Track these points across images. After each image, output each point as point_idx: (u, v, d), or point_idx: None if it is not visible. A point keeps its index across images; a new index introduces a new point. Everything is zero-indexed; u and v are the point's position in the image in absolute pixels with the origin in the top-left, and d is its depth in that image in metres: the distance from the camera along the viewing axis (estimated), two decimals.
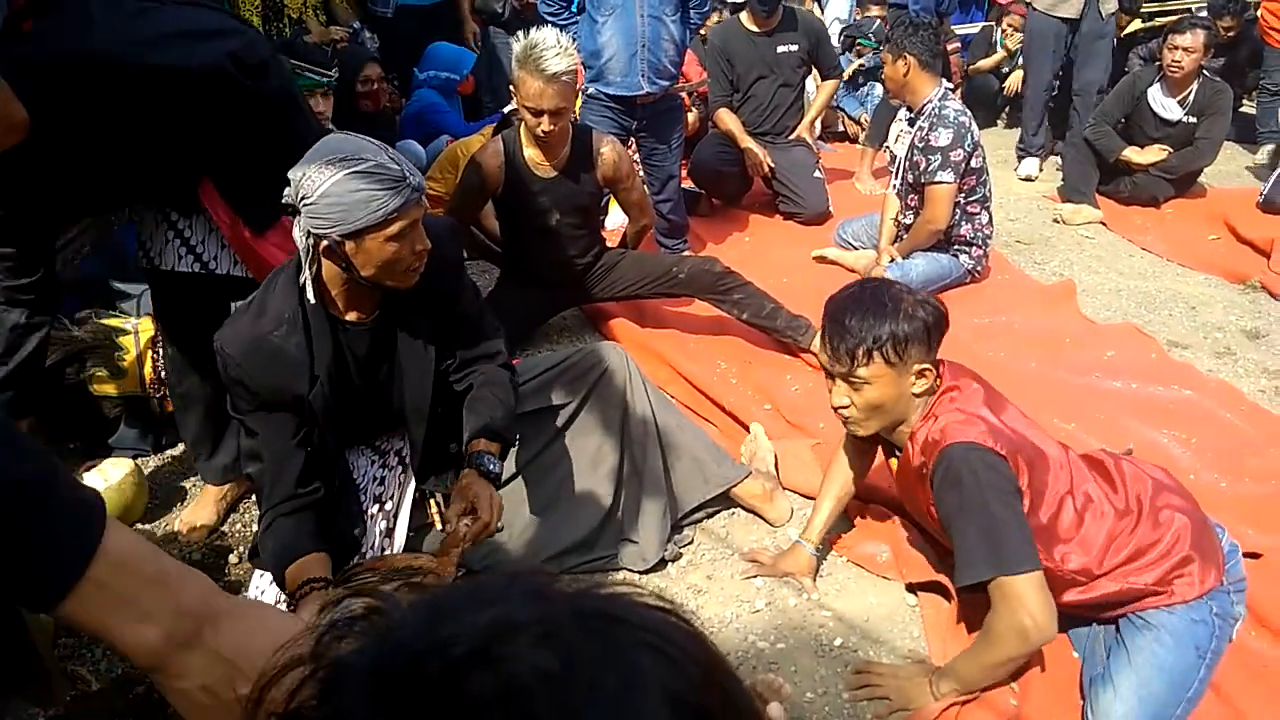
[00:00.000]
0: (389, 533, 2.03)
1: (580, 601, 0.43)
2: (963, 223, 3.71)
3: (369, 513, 2.01)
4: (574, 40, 3.07)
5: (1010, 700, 1.86)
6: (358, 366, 1.88)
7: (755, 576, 2.24)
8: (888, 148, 3.89)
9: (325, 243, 1.66)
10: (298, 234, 1.70)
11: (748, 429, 2.79)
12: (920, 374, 1.82)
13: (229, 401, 1.87)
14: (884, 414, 1.86)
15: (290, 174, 1.64)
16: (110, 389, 2.64)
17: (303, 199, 1.62)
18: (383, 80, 4.00)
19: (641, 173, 3.89)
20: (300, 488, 1.84)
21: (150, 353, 2.64)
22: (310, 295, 1.74)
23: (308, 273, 1.73)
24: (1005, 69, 6.35)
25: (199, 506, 2.47)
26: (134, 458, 2.61)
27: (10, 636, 1.81)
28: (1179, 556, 1.81)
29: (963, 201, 3.66)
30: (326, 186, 1.60)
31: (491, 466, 1.85)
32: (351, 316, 1.85)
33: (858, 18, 6.28)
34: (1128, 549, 1.81)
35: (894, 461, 2.02)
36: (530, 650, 0.38)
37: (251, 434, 1.85)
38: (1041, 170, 5.52)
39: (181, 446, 2.73)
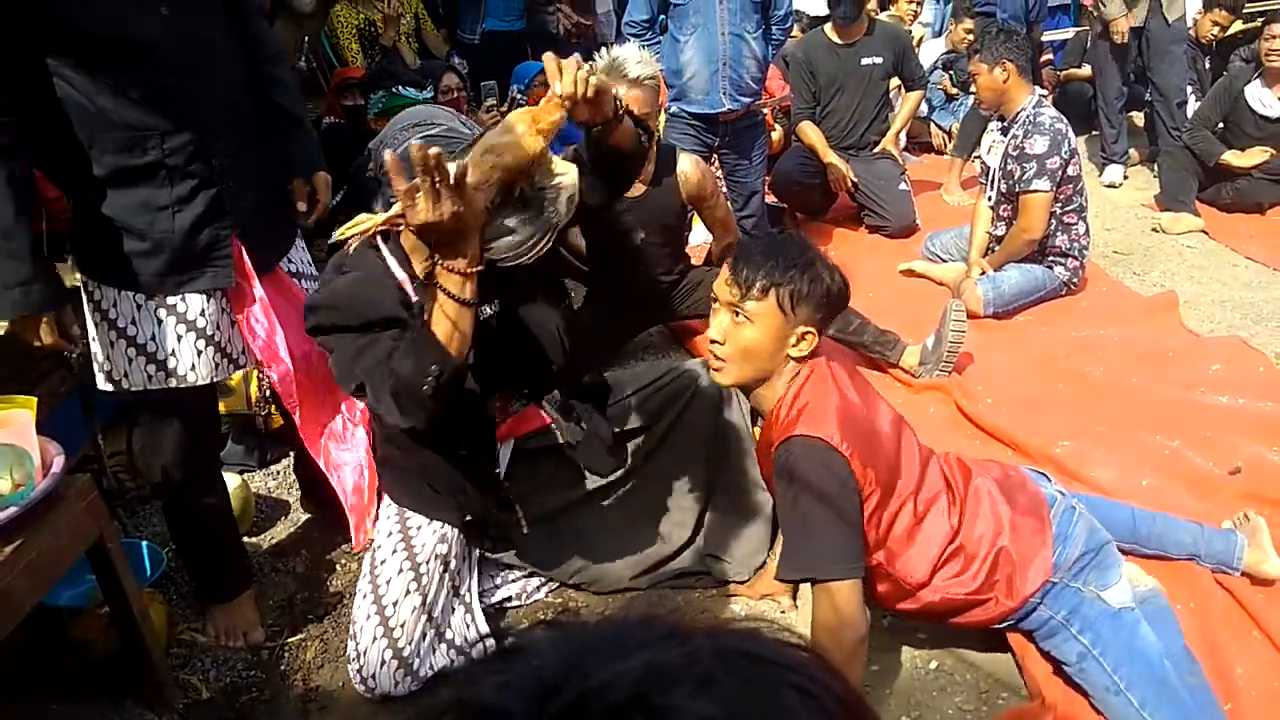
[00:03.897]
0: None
1: (720, 641, 0.43)
2: (1058, 233, 3.62)
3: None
4: (656, 57, 3.10)
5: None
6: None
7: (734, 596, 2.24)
8: (979, 158, 3.82)
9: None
10: (378, 205, 1.71)
11: None
12: (803, 336, 1.77)
13: (340, 380, 1.76)
14: (752, 363, 1.79)
15: (371, 145, 1.68)
16: (219, 406, 2.75)
17: (382, 168, 1.63)
18: (461, 89, 4.11)
19: (724, 189, 3.89)
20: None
21: (255, 372, 2.75)
22: (393, 257, 1.76)
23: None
24: None
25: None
26: (241, 473, 2.71)
27: (129, 647, 1.91)
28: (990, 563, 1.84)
29: (1058, 211, 3.57)
30: (403, 151, 1.60)
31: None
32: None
33: (949, 29, 6.18)
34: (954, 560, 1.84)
35: (757, 430, 2.00)
36: (690, 699, 0.39)
37: (351, 360, 1.73)
38: (1126, 177, 5.36)
39: (286, 462, 2.83)
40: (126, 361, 1.89)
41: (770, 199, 4.66)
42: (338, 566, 2.45)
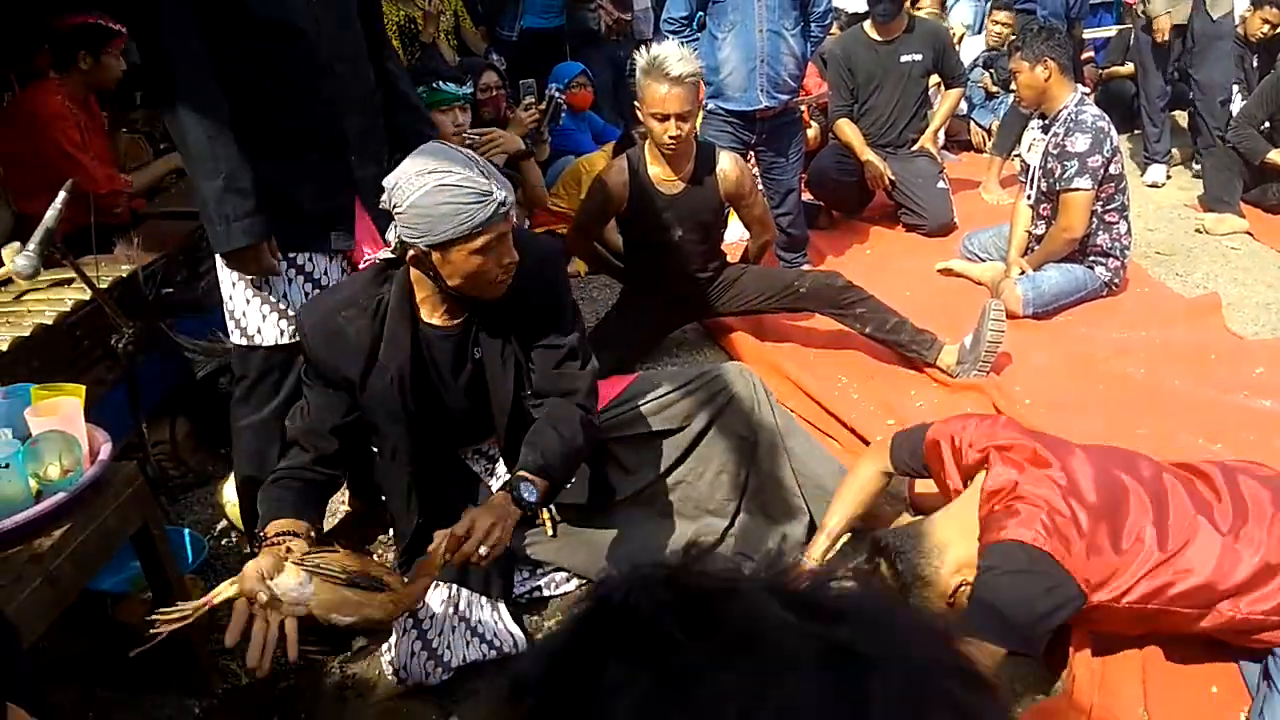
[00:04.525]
0: None
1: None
2: (1100, 232, 3.57)
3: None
4: (695, 54, 3.10)
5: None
6: (438, 371, 1.93)
7: None
8: (1019, 156, 3.77)
9: (413, 251, 1.73)
10: (390, 236, 1.78)
11: (869, 444, 2.74)
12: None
13: (302, 370, 1.98)
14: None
15: (385, 181, 1.72)
16: None
17: (394, 207, 1.70)
18: (500, 87, 4.14)
19: (761, 187, 3.89)
20: (323, 466, 1.88)
21: None
22: (392, 293, 1.84)
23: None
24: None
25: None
26: None
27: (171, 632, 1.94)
28: None
29: (1100, 210, 3.52)
30: (416, 197, 1.66)
31: (528, 495, 1.77)
32: (436, 320, 1.90)
33: (987, 25, 6.12)
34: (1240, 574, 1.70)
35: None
36: None
37: (303, 402, 1.94)
38: (1169, 177, 5.27)
39: None
40: (260, 318, 2.06)
41: (807, 196, 4.64)
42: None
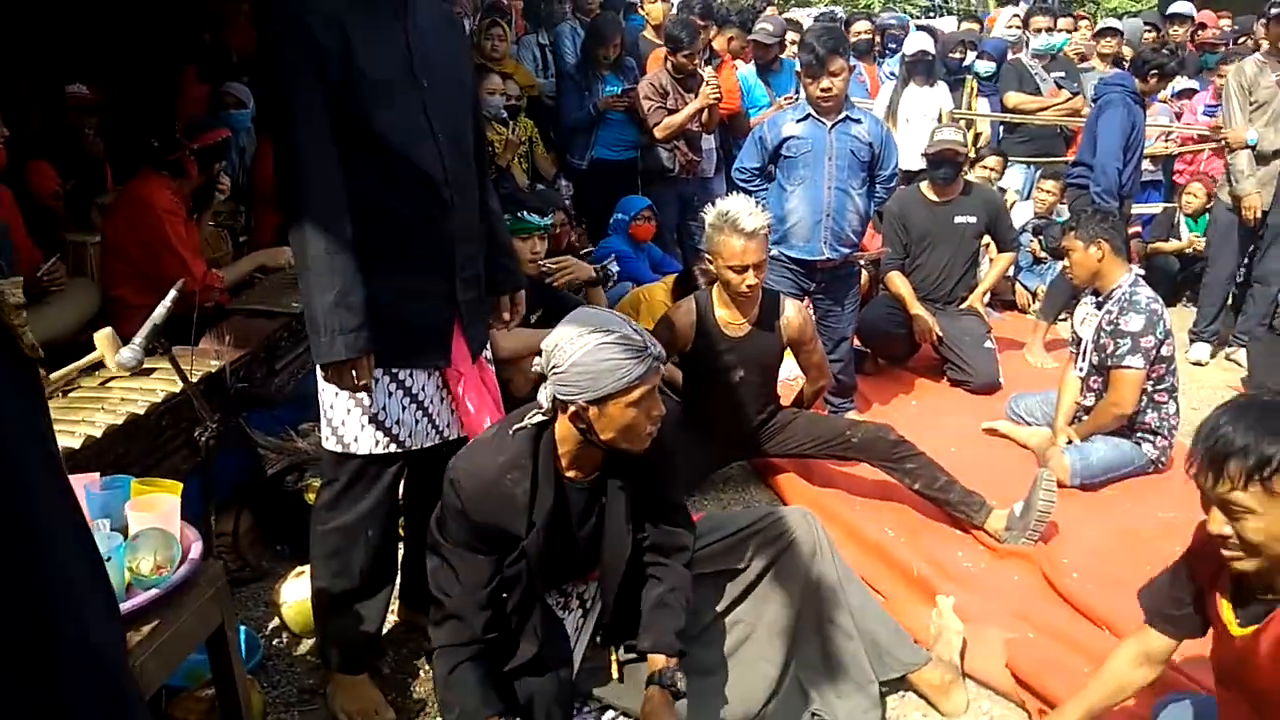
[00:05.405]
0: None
1: None
2: (1149, 410, 3.62)
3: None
4: (762, 205, 3.24)
5: None
6: (571, 520, 2.01)
7: None
8: (1073, 330, 3.86)
9: (573, 408, 1.82)
10: (542, 398, 1.88)
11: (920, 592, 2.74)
12: None
13: (435, 529, 2.00)
14: (1273, 551, 1.57)
15: (543, 344, 1.84)
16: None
17: (553, 368, 1.82)
18: (566, 225, 4.33)
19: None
20: (486, 633, 1.94)
21: None
22: (543, 451, 1.91)
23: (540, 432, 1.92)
24: (1188, 251, 6.25)
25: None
26: None
27: None
28: None
29: (1150, 389, 3.58)
30: (578, 356, 1.78)
31: (680, 685, 1.97)
32: (572, 474, 1.99)
33: (1038, 195, 6.34)
34: None
35: (1237, 622, 1.73)
36: None
37: (447, 568, 1.96)
38: (1212, 358, 5.34)
39: None
40: (359, 427, 2.14)
41: (855, 343, 4.75)
42: (422, 672, 2.49)
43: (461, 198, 2.14)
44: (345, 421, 2.13)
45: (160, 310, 2.29)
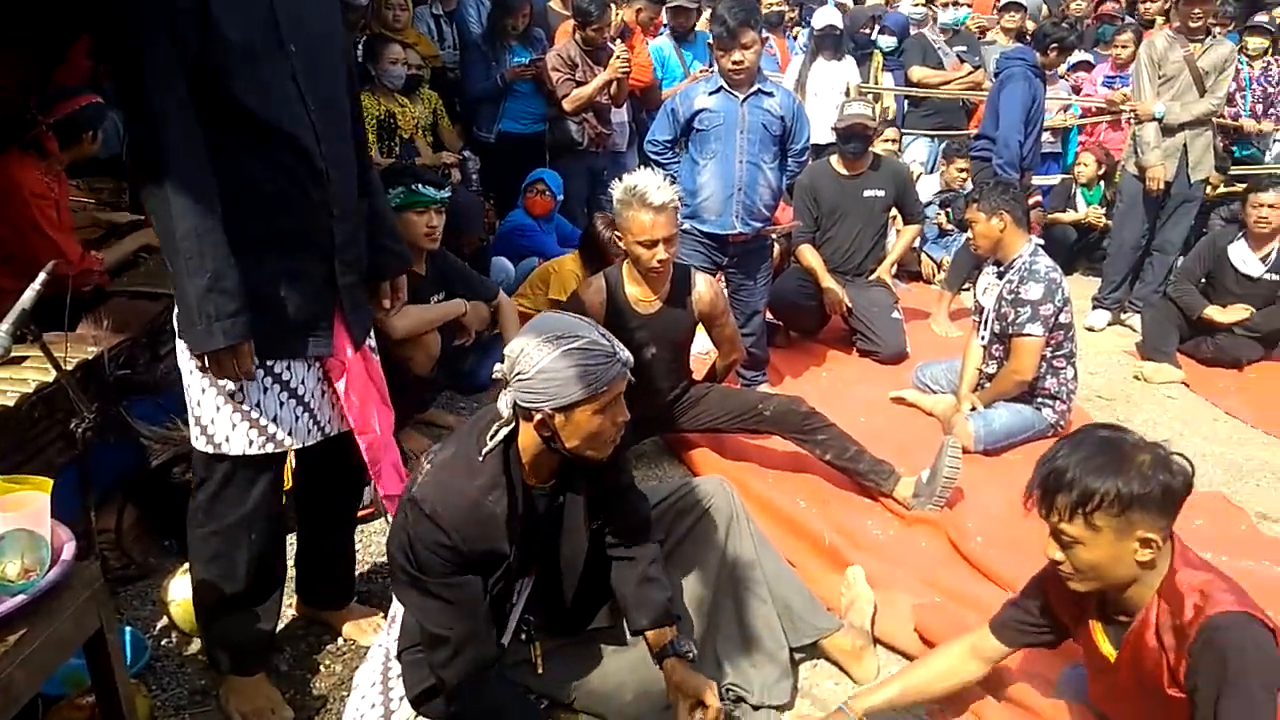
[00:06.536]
0: None
1: None
2: (1048, 376, 3.72)
3: None
4: (673, 181, 3.19)
5: None
6: (536, 526, 1.96)
7: None
8: (976, 300, 3.94)
9: (539, 416, 1.75)
10: (502, 406, 1.80)
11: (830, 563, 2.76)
12: (1145, 543, 1.65)
13: (409, 567, 1.84)
14: (1101, 577, 1.71)
15: (506, 350, 1.77)
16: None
17: (518, 374, 1.74)
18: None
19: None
20: (499, 645, 1.92)
21: None
22: (513, 463, 1.85)
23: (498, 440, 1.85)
24: (1084, 222, 6.44)
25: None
26: None
27: None
28: None
29: (1049, 355, 3.68)
30: (545, 363, 1.71)
31: (692, 651, 2.00)
32: (533, 481, 1.93)
33: (941, 168, 6.45)
34: None
35: (1101, 631, 1.86)
36: None
37: (438, 601, 1.84)
38: (1109, 324, 5.53)
39: None
40: (230, 426, 1.97)
41: (766, 316, 4.76)
42: (321, 668, 2.39)
43: (338, 172, 1.98)
44: (215, 420, 1.97)
45: (29, 294, 2.12)
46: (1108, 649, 1.86)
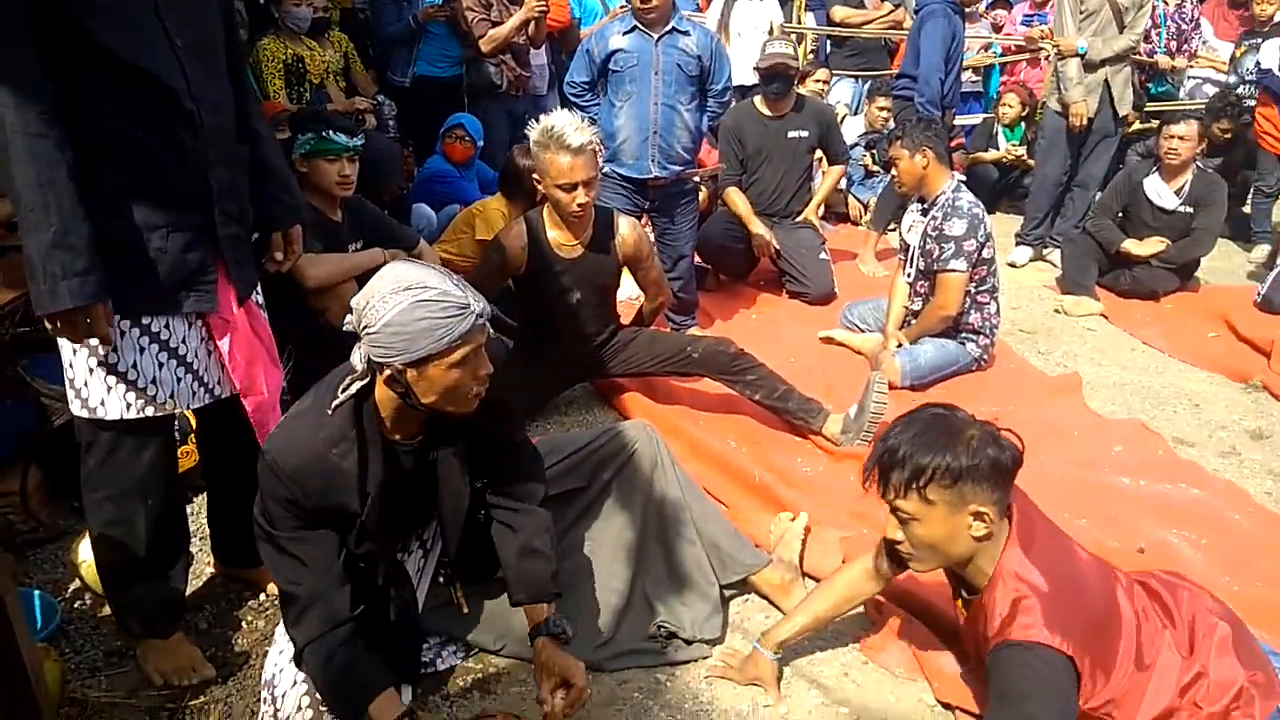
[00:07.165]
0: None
1: None
2: (972, 311, 3.77)
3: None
4: (593, 123, 3.12)
5: None
6: (403, 483, 1.87)
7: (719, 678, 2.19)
8: (901, 238, 3.96)
9: (389, 370, 1.67)
10: (355, 360, 1.71)
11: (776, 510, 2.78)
12: (978, 515, 1.70)
13: (261, 520, 1.80)
14: (939, 554, 1.78)
15: (353, 302, 1.66)
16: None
17: (365, 327, 1.64)
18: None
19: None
20: (353, 609, 1.81)
21: None
22: (365, 418, 1.75)
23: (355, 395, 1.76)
24: (1006, 160, 6.52)
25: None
26: None
27: (16, 708, 1.77)
28: (1235, 690, 1.77)
29: (973, 290, 3.72)
30: (391, 315, 1.61)
31: (568, 630, 1.93)
32: (397, 437, 1.84)
33: (865, 108, 6.46)
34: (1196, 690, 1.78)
35: (960, 600, 1.94)
36: None
37: (288, 557, 1.79)
38: (1030, 260, 5.62)
39: (190, 511, 2.70)
40: (105, 390, 1.86)
41: (695, 260, 4.73)
42: (243, 624, 2.33)
43: (213, 115, 1.85)
44: (88, 383, 1.85)
45: None
46: (960, 609, 1.95)
